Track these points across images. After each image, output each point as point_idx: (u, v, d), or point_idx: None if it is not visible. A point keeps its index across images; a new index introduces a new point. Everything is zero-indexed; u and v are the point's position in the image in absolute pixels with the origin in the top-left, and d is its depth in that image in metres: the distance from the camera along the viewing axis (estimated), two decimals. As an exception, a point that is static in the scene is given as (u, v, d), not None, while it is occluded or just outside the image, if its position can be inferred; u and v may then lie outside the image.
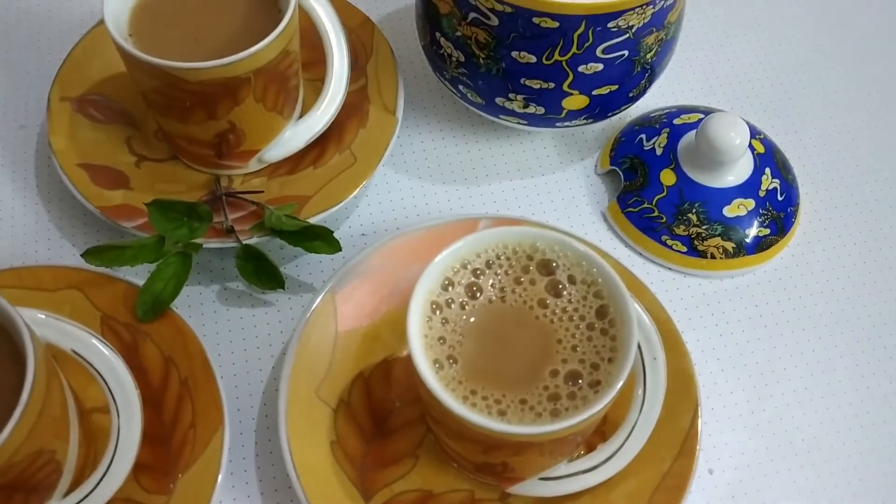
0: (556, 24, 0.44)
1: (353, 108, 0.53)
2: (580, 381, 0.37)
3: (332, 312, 0.46)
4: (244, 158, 0.51)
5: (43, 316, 0.41)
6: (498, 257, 0.40)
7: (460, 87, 0.51)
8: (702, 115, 0.53)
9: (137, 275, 0.47)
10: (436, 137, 0.56)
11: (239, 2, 0.48)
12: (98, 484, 0.40)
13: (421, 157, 0.55)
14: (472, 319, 0.38)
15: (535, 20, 0.44)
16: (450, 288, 0.39)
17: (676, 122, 0.53)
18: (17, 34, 0.59)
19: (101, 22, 0.53)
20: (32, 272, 0.47)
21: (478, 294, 0.39)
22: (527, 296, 0.39)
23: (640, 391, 0.40)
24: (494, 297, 0.39)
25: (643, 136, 0.53)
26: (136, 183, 0.50)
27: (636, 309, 0.38)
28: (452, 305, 0.39)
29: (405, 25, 0.59)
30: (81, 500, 0.40)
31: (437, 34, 0.49)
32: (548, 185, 0.54)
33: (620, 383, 0.35)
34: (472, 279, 0.39)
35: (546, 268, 0.39)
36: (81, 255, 0.46)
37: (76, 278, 0.47)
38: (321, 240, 0.48)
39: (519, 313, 0.39)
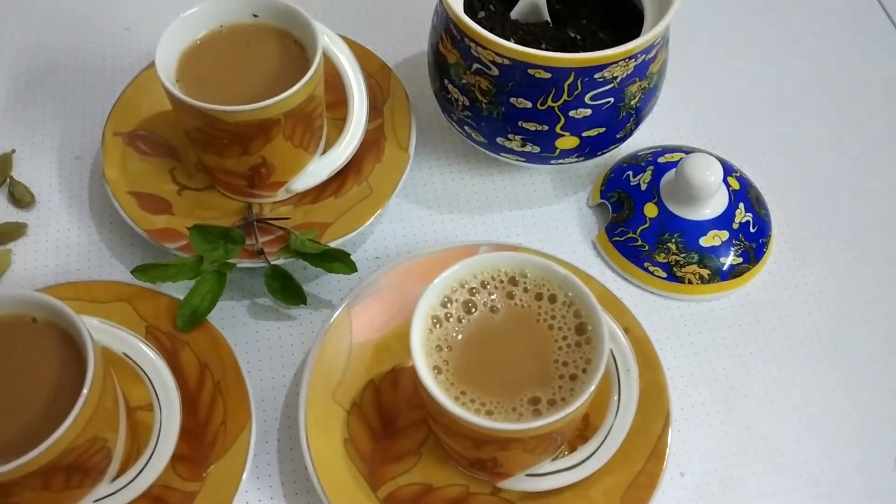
0: (549, 75, 0.49)
1: (370, 145, 0.57)
2: (561, 390, 0.41)
3: (348, 326, 0.50)
4: (273, 189, 0.55)
5: (98, 322, 0.46)
6: (493, 278, 0.44)
7: (466, 127, 0.55)
8: (683, 155, 0.57)
9: (178, 290, 0.51)
10: (444, 172, 0.60)
11: (271, 52, 0.52)
12: (142, 470, 0.44)
13: (430, 189, 0.60)
14: (467, 331, 0.43)
15: (531, 71, 0.49)
16: (448, 304, 0.44)
17: (660, 160, 0.58)
18: (74, 75, 0.64)
19: (150, 66, 0.58)
20: (87, 286, 0.51)
21: (473, 309, 0.44)
22: (523, 303, 0.44)
23: (616, 398, 0.45)
24: (488, 312, 0.44)
25: (630, 172, 0.58)
26: (178, 209, 0.55)
27: (609, 324, 0.43)
28: (451, 319, 0.43)
29: (419, 71, 0.63)
30: (127, 484, 0.44)
31: (446, 81, 0.54)
32: (544, 216, 0.59)
33: (592, 387, 0.40)
34: (469, 297, 0.44)
35: (533, 289, 0.44)
36: (130, 272, 0.51)
37: (125, 292, 0.51)
38: (340, 261, 0.51)
39: (512, 320, 0.43)
